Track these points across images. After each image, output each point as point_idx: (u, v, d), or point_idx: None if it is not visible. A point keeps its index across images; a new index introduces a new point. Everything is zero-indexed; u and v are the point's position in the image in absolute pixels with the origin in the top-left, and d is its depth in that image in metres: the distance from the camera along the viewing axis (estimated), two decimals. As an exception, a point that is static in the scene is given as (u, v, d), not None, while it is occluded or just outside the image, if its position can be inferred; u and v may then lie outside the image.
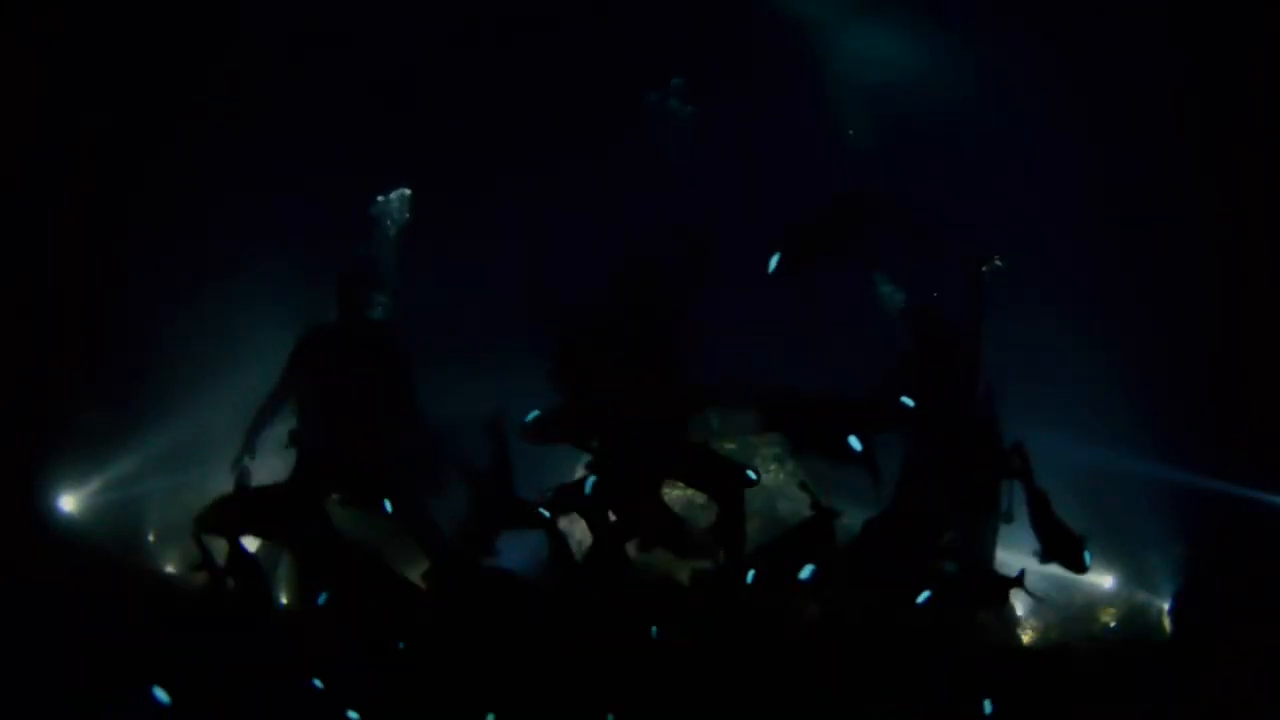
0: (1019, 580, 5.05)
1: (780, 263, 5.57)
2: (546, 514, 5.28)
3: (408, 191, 8.42)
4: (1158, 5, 8.34)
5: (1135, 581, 7.53)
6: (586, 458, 8.65)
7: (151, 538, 7.67)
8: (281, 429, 6.64)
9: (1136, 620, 7.29)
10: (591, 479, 5.36)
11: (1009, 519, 6.36)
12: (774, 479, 8.69)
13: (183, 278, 8.08)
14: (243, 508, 5.24)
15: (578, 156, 9.30)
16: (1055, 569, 7.69)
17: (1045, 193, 8.81)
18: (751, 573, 4.80)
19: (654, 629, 4.32)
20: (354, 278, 6.28)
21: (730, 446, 8.72)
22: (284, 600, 6.98)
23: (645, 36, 9.53)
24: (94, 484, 7.34)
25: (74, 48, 7.63)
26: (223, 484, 7.52)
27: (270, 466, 7.04)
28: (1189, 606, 6.77)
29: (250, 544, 6.39)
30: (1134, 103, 8.64)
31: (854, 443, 5.12)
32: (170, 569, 7.54)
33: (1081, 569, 5.34)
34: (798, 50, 9.43)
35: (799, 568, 4.78)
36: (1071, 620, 7.45)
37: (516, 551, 7.98)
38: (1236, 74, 8.08)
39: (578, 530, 6.63)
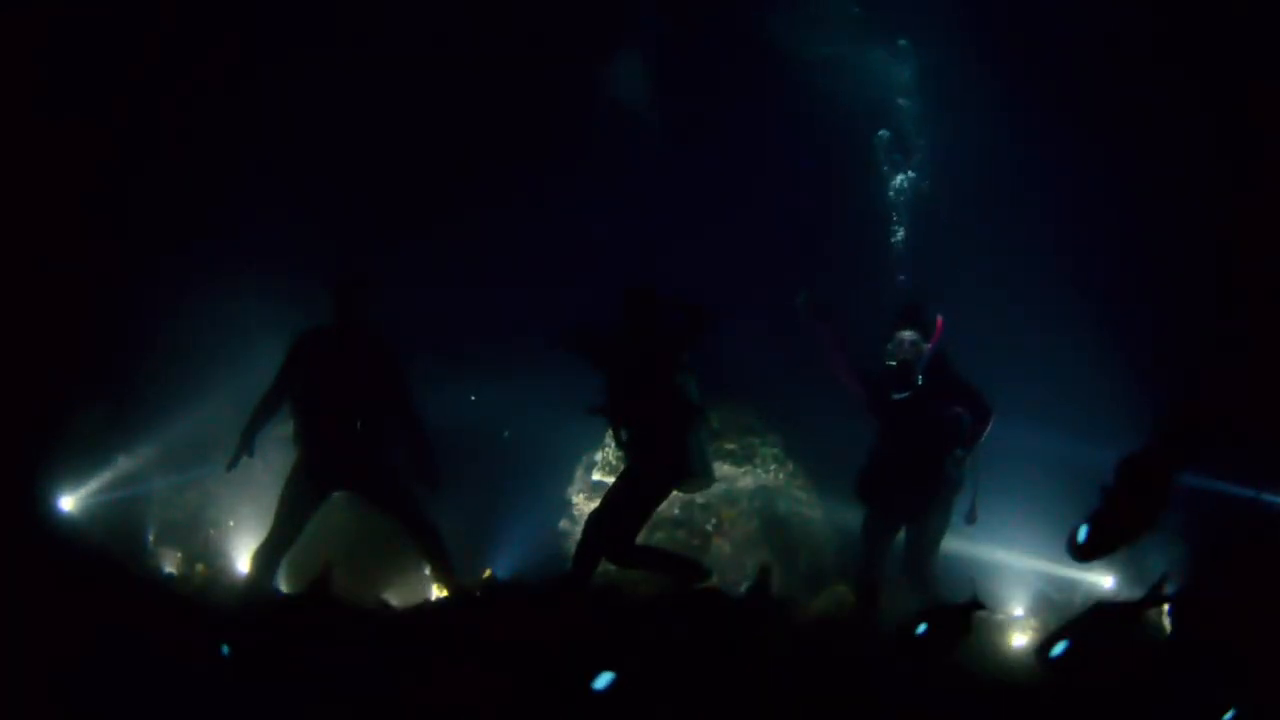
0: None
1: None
2: None
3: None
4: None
5: (1135, 581, 7.52)
6: (589, 459, 8.80)
7: (151, 538, 7.68)
8: (281, 429, 6.67)
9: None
10: None
11: (972, 520, 6.37)
12: (774, 479, 8.71)
13: (182, 277, 8.08)
14: None
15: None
16: (1055, 569, 7.80)
17: (1042, 193, 8.83)
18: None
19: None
20: (352, 280, 6.29)
21: (730, 446, 8.73)
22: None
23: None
24: (94, 484, 7.35)
25: (75, 45, 7.64)
26: (222, 483, 7.58)
27: (270, 464, 7.06)
28: (1189, 606, 6.76)
29: (254, 538, 6.44)
30: (1133, 102, 8.65)
31: None
32: (170, 569, 7.55)
33: None
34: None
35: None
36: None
37: (517, 552, 8.03)
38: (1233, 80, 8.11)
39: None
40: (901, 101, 9.32)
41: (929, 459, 6.27)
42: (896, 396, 6.35)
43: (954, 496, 6.35)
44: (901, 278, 8.75)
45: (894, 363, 6.37)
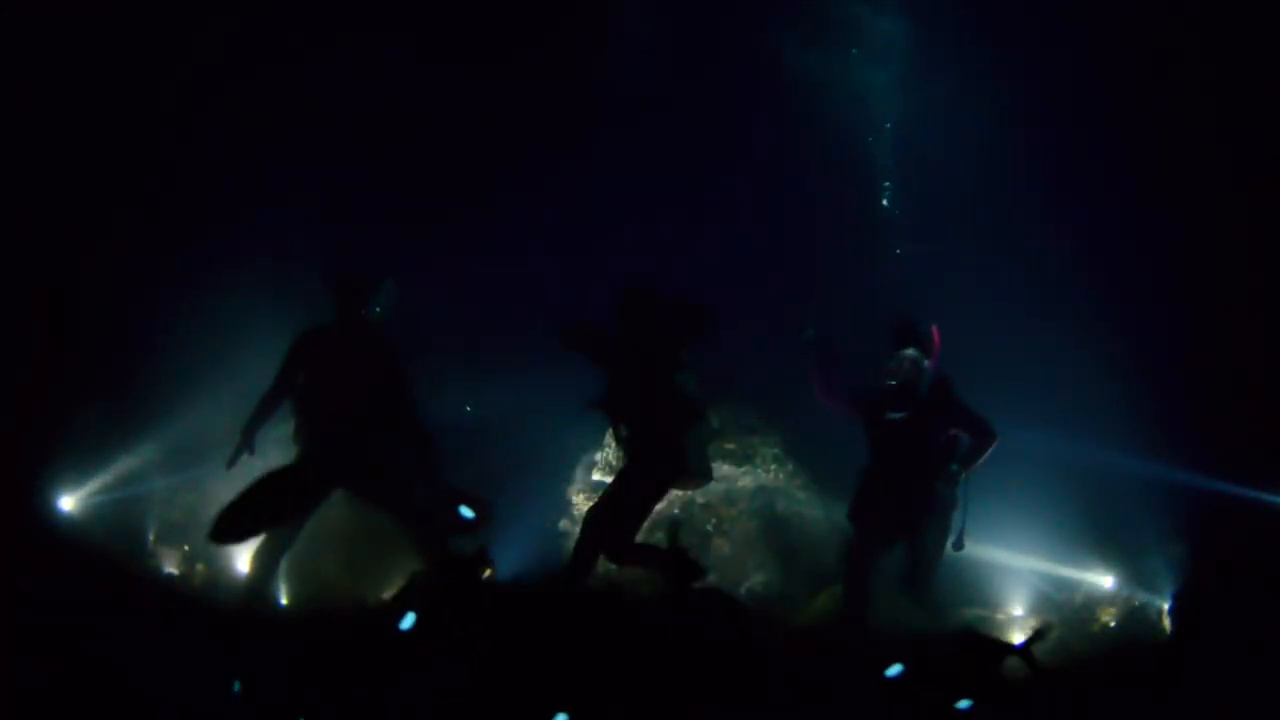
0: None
1: None
2: None
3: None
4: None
5: (1135, 581, 7.52)
6: (589, 459, 8.80)
7: (151, 538, 7.68)
8: (280, 429, 6.67)
9: (1136, 620, 7.28)
10: None
11: (959, 546, 6.33)
12: (774, 479, 8.72)
13: (182, 276, 8.09)
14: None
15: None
16: (1055, 569, 7.80)
17: (1044, 191, 8.82)
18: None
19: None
20: (352, 279, 6.28)
21: (730, 447, 8.74)
22: (285, 601, 7.01)
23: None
24: (94, 484, 7.35)
25: (77, 42, 7.65)
26: (223, 483, 7.58)
27: (270, 464, 7.05)
28: (1189, 606, 6.76)
29: (253, 542, 6.44)
30: (1136, 96, 8.64)
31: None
32: (170, 569, 7.54)
33: None
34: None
35: None
36: (1071, 620, 7.45)
37: (515, 551, 8.03)
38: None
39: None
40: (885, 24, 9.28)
41: (921, 480, 6.23)
42: (893, 416, 6.31)
43: (949, 515, 6.30)
44: (899, 251, 8.73)
45: (894, 381, 6.33)
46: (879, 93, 9.51)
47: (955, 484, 6.21)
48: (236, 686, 4.02)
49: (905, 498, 6.23)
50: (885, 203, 9.08)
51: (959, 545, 6.29)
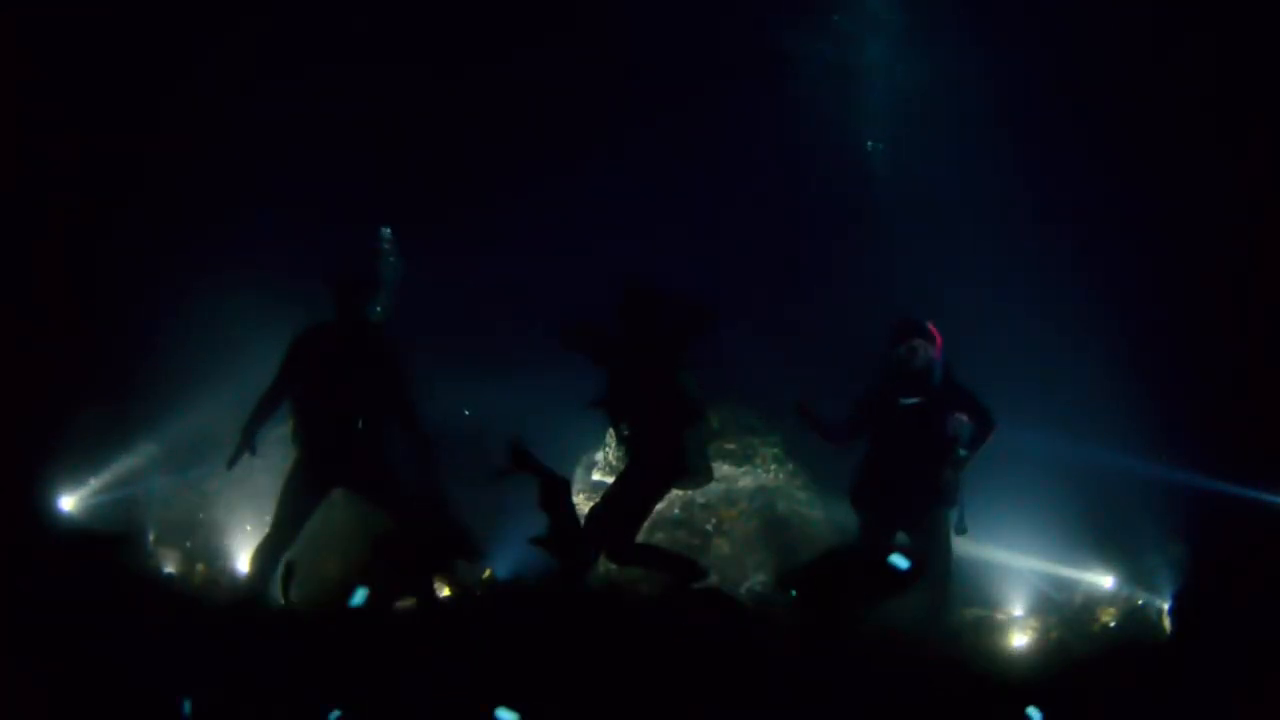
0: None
1: None
2: None
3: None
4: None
5: (1135, 581, 7.53)
6: (589, 459, 8.81)
7: (151, 538, 7.68)
8: (280, 429, 6.68)
9: (1136, 620, 7.28)
10: None
11: (962, 530, 6.34)
12: (774, 479, 8.72)
13: (182, 276, 8.09)
14: None
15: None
16: (1056, 569, 7.80)
17: (1044, 190, 8.82)
18: None
19: None
20: (352, 279, 6.29)
21: (730, 447, 8.74)
22: (284, 601, 7.00)
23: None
24: (94, 484, 7.35)
25: (75, 44, 7.65)
26: (222, 483, 7.59)
27: (270, 463, 7.07)
28: (1189, 606, 6.77)
29: (254, 538, 6.44)
30: (1136, 91, 8.64)
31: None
32: (170, 569, 7.55)
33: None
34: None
35: None
36: (1071, 620, 7.45)
37: (514, 552, 8.03)
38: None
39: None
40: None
41: (928, 466, 6.25)
42: (906, 402, 6.33)
43: (953, 500, 6.33)
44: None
45: (909, 368, 6.35)
46: (870, 72, 9.52)
47: (961, 469, 6.25)
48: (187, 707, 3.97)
49: (909, 485, 6.25)
50: (873, 151, 9.07)
51: (961, 529, 6.33)
